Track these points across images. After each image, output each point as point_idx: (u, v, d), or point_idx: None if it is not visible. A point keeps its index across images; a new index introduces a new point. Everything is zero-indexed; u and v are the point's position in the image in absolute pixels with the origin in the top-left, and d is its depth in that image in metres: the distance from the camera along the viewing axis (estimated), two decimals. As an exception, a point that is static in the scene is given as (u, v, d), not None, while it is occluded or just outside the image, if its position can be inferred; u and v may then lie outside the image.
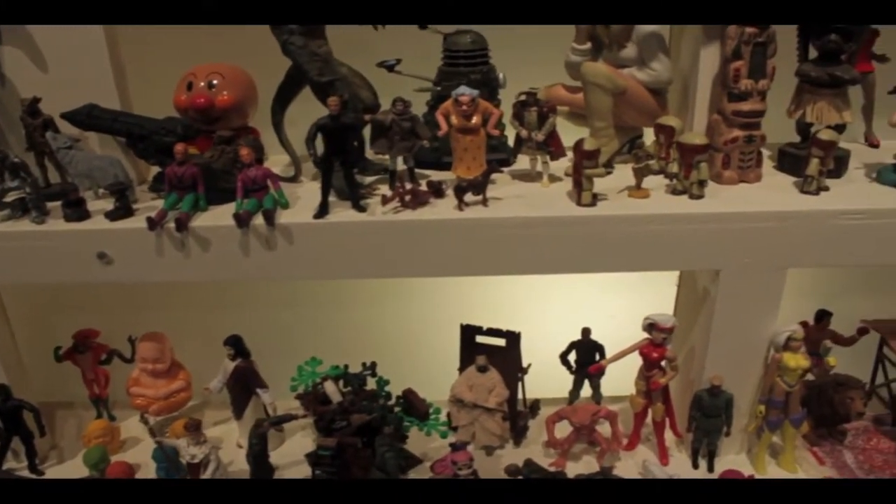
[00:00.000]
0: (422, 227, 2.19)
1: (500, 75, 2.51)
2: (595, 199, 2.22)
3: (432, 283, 2.80)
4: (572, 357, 2.65)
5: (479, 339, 2.55)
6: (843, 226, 2.21)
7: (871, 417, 2.73)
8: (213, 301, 3.03)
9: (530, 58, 2.60)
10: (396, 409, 2.41)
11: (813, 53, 2.39)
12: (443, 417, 2.50)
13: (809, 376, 2.43)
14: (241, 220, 2.13)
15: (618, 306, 2.71)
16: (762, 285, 2.29)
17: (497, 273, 2.27)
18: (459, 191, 2.19)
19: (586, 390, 2.73)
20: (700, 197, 2.25)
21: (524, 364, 2.60)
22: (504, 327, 2.60)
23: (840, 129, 2.43)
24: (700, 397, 2.41)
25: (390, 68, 2.48)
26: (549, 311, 2.95)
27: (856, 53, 2.39)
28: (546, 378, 2.72)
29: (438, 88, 2.47)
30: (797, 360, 2.32)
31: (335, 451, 2.29)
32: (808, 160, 2.27)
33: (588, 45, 2.45)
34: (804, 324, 2.66)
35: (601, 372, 2.64)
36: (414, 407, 2.37)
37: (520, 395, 2.67)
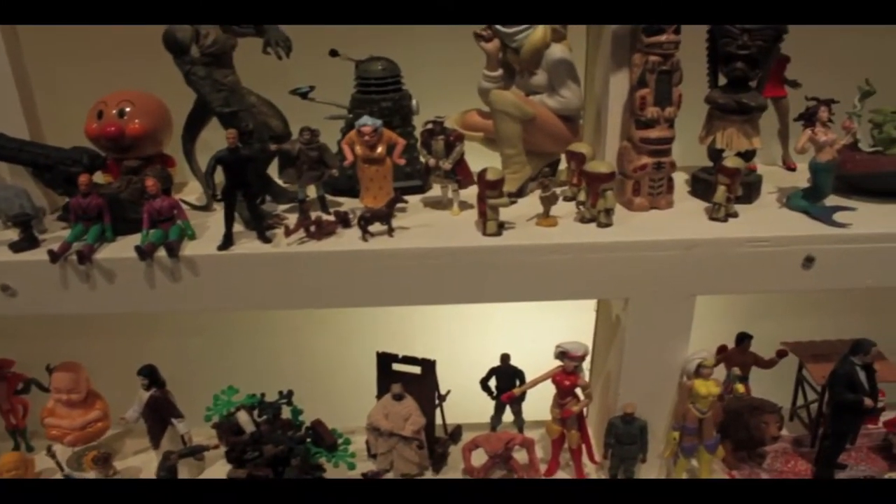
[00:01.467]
0: (325, 259, 2.17)
1: (414, 102, 2.50)
2: (501, 228, 2.21)
3: (352, 311, 2.78)
4: (493, 383, 2.64)
5: (396, 366, 2.54)
6: (749, 253, 2.21)
7: (791, 439, 2.74)
8: (133, 329, 3.01)
9: (451, 83, 2.59)
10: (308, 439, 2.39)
11: (723, 81, 2.40)
12: (354, 448, 2.48)
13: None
14: (143, 253, 2.11)
15: (539, 332, 2.70)
16: (671, 313, 2.29)
17: (401, 303, 2.26)
18: (363, 221, 2.18)
19: (510, 416, 2.72)
20: (608, 225, 2.25)
21: (442, 391, 2.59)
22: (428, 354, 2.60)
23: (749, 155, 2.45)
24: (614, 424, 2.40)
25: (304, 95, 2.46)
26: (473, 337, 2.94)
27: (764, 79, 2.40)
28: (472, 403, 2.71)
29: (350, 116, 2.46)
30: (708, 387, 2.32)
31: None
32: (716, 187, 2.28)
33: (500, 72, 2.44)
34: (723, 348, 2.68)
35: (520, 398, 2.63)
36: (322, 438, 2.35)
37: (440, 422, 2.65)
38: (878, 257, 2.26)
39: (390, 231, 2.21)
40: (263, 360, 2.98)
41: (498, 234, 2.20)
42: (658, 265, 2.20)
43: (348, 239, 2.23)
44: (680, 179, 2.56)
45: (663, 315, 2.29)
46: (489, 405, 2.72)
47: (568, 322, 2.82)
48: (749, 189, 2.43)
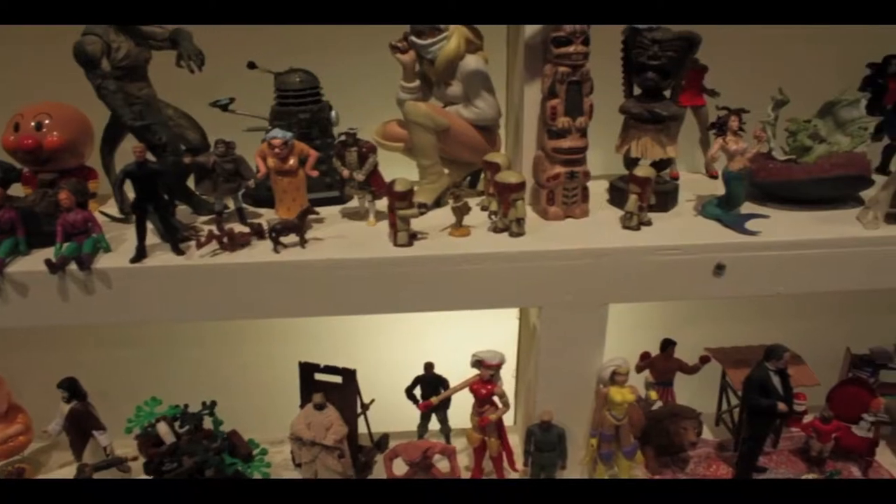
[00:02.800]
0: (237, 270, 2.18)
1: (333, 113, 2.51)
2: (412, 238, 2.23)
3: (278, 322, 2.77)
4: (418, 392, 2.65)
5: (318, 376, 2.54)
6: (660, 261, 2.23)
7: (715, 444, 2.76)
8: (59, 341, 3.00)
9: (374, 94, 2.60)
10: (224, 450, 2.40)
11: (638, 91, 2.42)
12: (281, 457, 2.49)
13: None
14: (53, 267, 2.10)
15: (465, 340, 2.70)
16: (585, 321, 2.31)
17: (314, 314, 2.27)
18: (275, 232, 2.19)
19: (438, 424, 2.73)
20: (520, 234, 2.26)
21: (369, 399, 2.60)
22: (357, 363, 2.61)
23: (664, 164, 2.47)
24: (532, 432, 2.42)
25: (224, 108, 2.47)
26: (402, 346, 2.95)
27: (678, 89, 2.42)
28: (401, 412, 2.72)
29: (270, 128, 2.47)
30: (623, 394, 2.34)
31: (163, 495, 2.28)
32: (627, 196, 2.30)
33: (417, 83, 2.46)
34: (646, 354, 2.70)
35: (445, 406, 2.64)
36: (237, 448, 2.36)
37: (365, 431, 2.66)
38: (788, 264, 2.28)
39: (302, 242, 2.22)
40: (190, 371, 2.99)
41: (409, 244, 2.21)
42: (569, 274, 2.22)
43: (261, 250, 2.23)
44: (601, 188, 2.58)
45: (577, 323, 2.30)
46: (417, 414, 2.73)
47: (494, 330, 2.83)
48: (665, 197, 2.46)
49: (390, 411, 2.71)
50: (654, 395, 2.41)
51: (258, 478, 2.31)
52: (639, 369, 2.68)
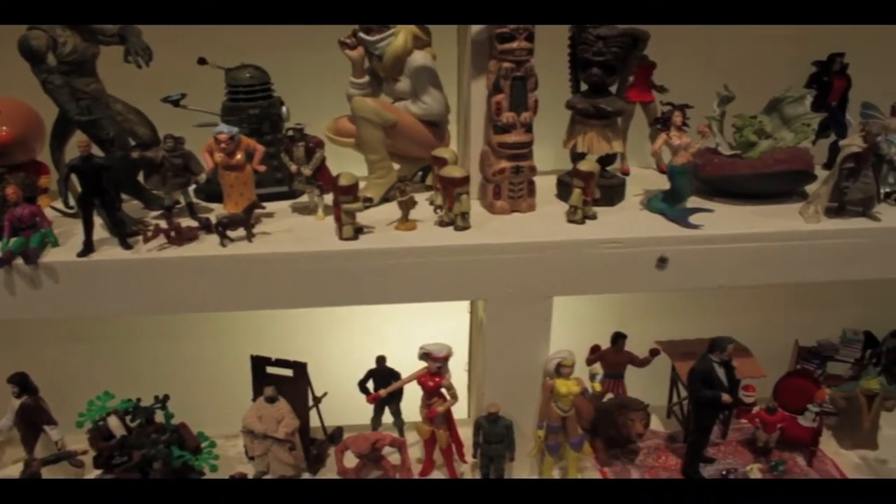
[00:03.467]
0: (183, 264, 2.19)
1: (284, 109, 2.53)
2: (358, 232, 2.25)
3: (232, 316, 2.80)
4: (371, 385, 2.67)
5: (270, 369, 2.56)
6: (603, 254, 2.26)
7: (666, 436, 2.80)
8: (5, 336, 2.99)
9: (326, 90, 2.62)
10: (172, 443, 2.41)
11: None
12: (236, 451, 2.51)
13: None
14: (-1, 262, 2.12)
15: (419, 334, 2.72)
16: (529, 314, 2.34)
17: (261, 307, 2.28)
18: (221, 227, 2.21)
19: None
20: (465, 228, 2.29)
21: (318, 393, 2.62)
22: (312, 356, 2.63)
23: (610, 158, 2.50)
24: (480, 424, 2.44)
25: (175, 103, 2.48)
26: (357, 339, 2.97)
27: (624, 84, 2.45)
28: (356, 405, 2.74)
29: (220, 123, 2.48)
30: (568, 386, 2.37)
31: (113, 488, 2.29)
32: (571, 190, 2.33)
33: (366, 79, 2.47)
34: (596, 347, 2.73)
35: (397, 399, 2.67)
36: (185, 441, 2.37)
37: (318, 424, 2.69)
38: (730, 258, 2.32)
39: (249, 236, 2.23)
40: (143, 365, 3.00)
41: (354, 238, 2.23)
42: (513, 267, 2.25)
43: (208, 245, 2.25)
44: (551, 183, 2.61)
45: (521, 316, 2.33)
46: (371, 407, 2.75)
47: (446, 324, 2.86)
48: (611, 192, 2.49)
49: (345, 405, 2.73)
50: (597, 386, 2.44)
51: (207, 471, 2.33)
52: (589, 362, 2.71)
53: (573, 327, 2.94)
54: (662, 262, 2.28)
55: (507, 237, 2.25)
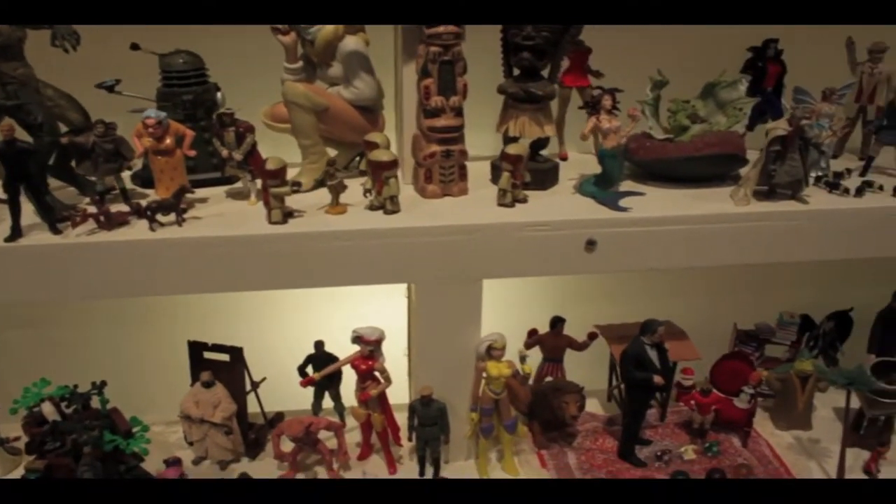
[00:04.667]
0: (113, 248, 2.19)
1: (219, 95, 2.53)
2: (287, 216, 2.26)
3: (173, 301, 2.80)
4: (311, 370, 2.68)
5: (207, 354, 2.57)
6: (531, 237, 2.28)
7: (605, 418, 2.82)
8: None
9: (264, 75, 2.62)
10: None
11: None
12: (177, 436, 2.53)
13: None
14: (-76, 247, 2.11)
15: (359, 317, 2.73)
16: (459, 296, 2.36)
17: (189, 291, 2.29)
18: (149, 211, 2.21)
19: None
20: (394, 212, 2.30)
21: (258, 378, 2.63)
22: (255, 341, 2.65)
23: (542, 143, 2.52)
24: (414, 407, 2.46)
25: (109, 89, 2.48)
26: (299, 324, 2.97)
27: (556, 69, 2.47)
28: (298, 390, 2.76)
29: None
30: (499, 369, 2.38)
31: (44, 473, 2.31)
32: (500, 174, 2.34)
33: (300, 64, 2.48)
34: (534, 331, 2.75)
35: (336, 383, 2.69)
36: (117, 426, 2.38)
37: (258, 409, 2.70)
38: (659, 240, 2.34)
39: (179, 221, 2.24)
40: (82, 352, 3.00)
41: (283, 222, 2.24)
42: (441, 250, 2.26)
43: (139, 229, 2.25)
44: (488, 168, 2.62)
45: (451, 298, 2.35)
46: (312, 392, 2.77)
47: (387, 308, 2.88)
48: (543, 175, 2.51)
49: (287, 390, 2.74)
50: (527, 368, 2.46)
51: (136, 454, 2.33)
52: (527, 346, 2.73)
53: (515, 311, 2.96)
54: (591, 244, 2.30)
55: (436, 220, 2.27)
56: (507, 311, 2.94)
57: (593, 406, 2.90)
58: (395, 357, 2.74)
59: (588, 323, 2.85)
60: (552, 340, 2.76)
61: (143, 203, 2.26)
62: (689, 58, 2.82)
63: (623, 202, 2.37)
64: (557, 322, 2.75)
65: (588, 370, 2.88)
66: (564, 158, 2.80)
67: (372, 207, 2.33)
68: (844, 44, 2.76)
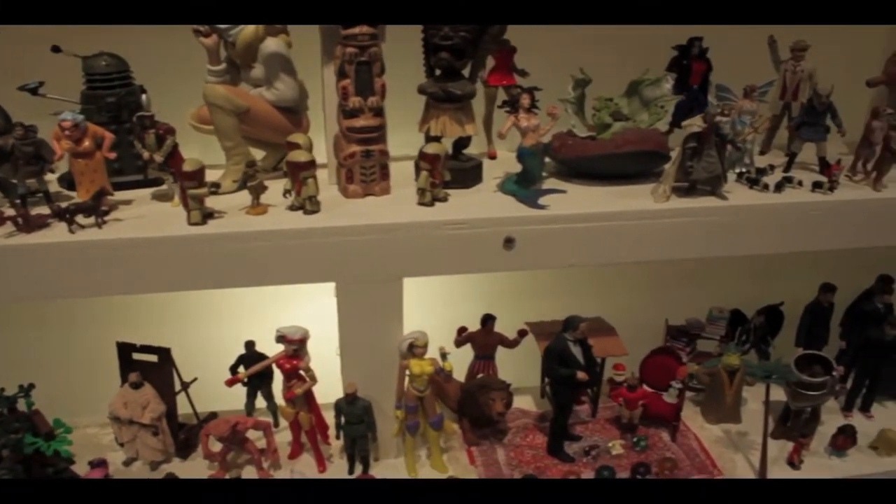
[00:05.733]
0: (30, 251, 2.19)
1: (144, 97, 2.54)
2: (207, 217, 2.27)
3: (104, 303, 2.82)
4: (242, 370, 2.69)
5: (136, 355, 2.58)
6: (450, 235, 2.30)
7: (536, 415, 2.84)
8: None
9: (193, 78, 2.63)
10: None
11: (438, 70, 2.48)
12: (109, 438, 2.54)
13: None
14: None
15: (293, 317, 2.75)
16: (380, 295, 2.38)
17: (109, 293, 2.29)
18: (68, 214, 2.22)
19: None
20: (314, 212, 2.32)
21: (189, 378, 2.64)
22: (188, 341, 2.66)
23: (465, 141, 2.54)
24: (339, 405, 2.48)
25: (33, 91, 2.49)
26: (233, 325, 2.98)
27: (477, 69, 2.49)
28: (234, 390, 2.77)
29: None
30: (421, 366, 2.40)
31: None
32: (418, 173, 2.36)
33: (223, 66, 2.50)
34: (463, 329, 2.77)
35: (268, 382, 2.70)
36: (39, 428, 2.39)
37: (190, 409, 2.71)
38: (578, 237, 2.37)
39: (98, 223, 2.25)
40: (13, 354, 3.00)
41: (202, 223, 2.25)
42: (360, 249, 2.28)
43: (58, 231, 2.26)
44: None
45: (372, 297, 2.37)
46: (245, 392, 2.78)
47: (325, 306, 2.89)
48: (465, 174, 2.53)
49: (222, 390, 2.74)
50: (448, 366, 2.48)
51: (60, 455, 2.34)
52: (457, 343, 2.76)
53: (449, 309, 2.99)
54: (509, 242, 2.32)
55: (354, 220, 2.29)
56: (440, 309, 2.97)
57: (526, 403, 2.92)
58: (330, 356, 2.75)
59: (521, 320, 2.87)
60: (483, 338, 2.78)
61: (60, 205, 2.28)
62: (621, 55, 2.85)
63: (543, 200, 2.39)
64: (488, 320, 2.77)
65: (522, 367, 2.90)
66: (493, 157, 2.82)
67: (292, 208, 2.35)
68: (766, 42, 2.79)
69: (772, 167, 2.70)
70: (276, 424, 2.78)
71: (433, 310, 2.99)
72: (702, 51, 2.79)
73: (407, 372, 2.43)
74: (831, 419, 2.81)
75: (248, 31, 2.40)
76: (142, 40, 2.64)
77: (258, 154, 2.67)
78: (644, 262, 2.56)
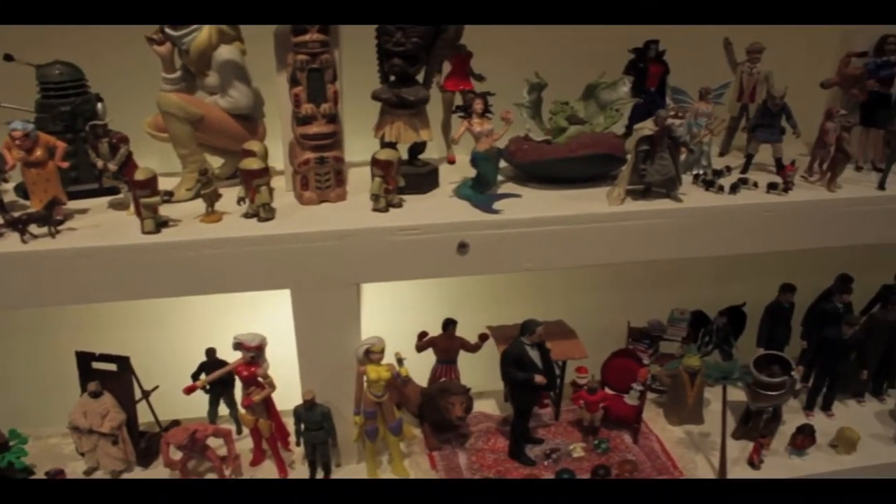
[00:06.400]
0: (-17, 261, 2.21)
1: (99, 106, 2.55)
2: (162, 226, 2.27)
3: (65, 313, 2.81)
4: (203, 378, 2.69)
5: (96, 365, 2.58)
6: (403, 241, 2.31)
7: (499, 419, 2.85)
8: None
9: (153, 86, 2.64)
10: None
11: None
12: (70, 448, 2.54)
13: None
14: None
15: (254, 324, 2.75)
16: (336, 301, 2.38)
17: (64, 302, 2.29)
18: (20, 223, 2.22)
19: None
20: (268, 219, 2.32)
21: (147, 387, 2.64)
22: (151, 349, 2.66)
23: (420, 147, 2.55)
24: (298, 412, 2.48)
25: (-15, 100, 2.49)
26: (196, 333, 2.98)
27: (431, 74, 2.50)
28: (197, 398, 2.77)
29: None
30: (378, 372, 2.41)
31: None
32: (372, 180, 2.37)
33: (178, 74, 2.51)
34: (424, 334, 2.77)
35: (229, 390, 2.70)
36: (-9, 439, 2.40)
37: (152, 418, 2.71)
38: (532, 241, 2.38)
39: (52, 233, 2.25)
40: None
41: (156, 231, 2.25)
42: (314, 256, 2.29)
43: (12, 241, 2.26)
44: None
45: (327, 303, 2.37)
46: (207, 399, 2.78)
47: (285, 313, 2.89)
48: (421, 179, 2.53)
49: (186, 398, 2.75)
50: (404, 371, 2.48)
51: (14, 467, 2.34)
52: (418, 348, 2.76)
53: (412, 314, 2.99)
54: (462, 247, 2.33)
55: (308, 226, 2.29)
56: (403, 314, 2.98)
57: (489, 406, 2.93)
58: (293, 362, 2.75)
59: (484, 324, 2.88)
60: (445, 342, 2.79)
61: (13, 215, 2.28)
62: (580, 59, 2.86)
63: (497, 204, 2.40)
64: (449, 324, 2.78)
65: (485, 371, 2.90)
66: (452, 162, 2.83)
67: (247, 215, 2.35)
68: (722, 45, 2.81)
69: (729, 169, 2.72)
70: (239, 431, 2.79)
71: (395, 315, 3.00)
72: (658, 53, 2.81)
73: (365, 378, 2.43)
74: (794, 419, 2.82)
75: (200, 38, 2.40)
76: (99, 48, 2.65)
77: (217, 161, 2.68)
78: (607, 265, 2.57)
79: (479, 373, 2.87)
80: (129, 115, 2.58)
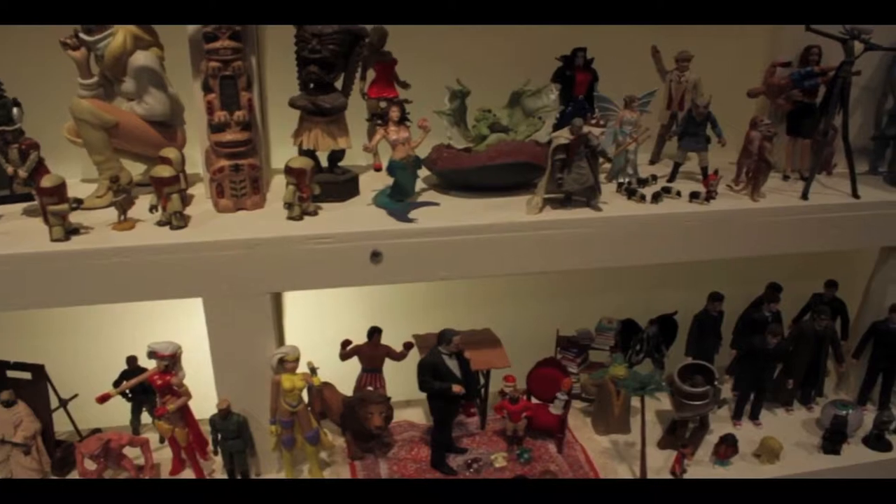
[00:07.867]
0: None
1: (15, 111, 2.52)
2: (72, 233, 2.25)
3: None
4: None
5: (11, 373, 2.56)
6: (315, 250, 2.29)
7: (424, 428, 2.83)
8: None
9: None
10: None
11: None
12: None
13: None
14: None
15: (174, 332, 2.73)
16: (248, 310, 2.36)
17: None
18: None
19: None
20: (180, 227, 2.30)
21: (66, 395, 2.62)
22: (75, 358, 2.63)
23: (338, 154, 2.53)
24: (213, 421, 2.46)
25: None
26: (120, 340, 2.96)
27: (350, 82, 2.49)
28: (121, 406, 2.75)
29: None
30: (292, 381, 2.39)
31: None
32: (286, 188, 2.35)
33: (94, 80, 2.48)
34: (348, 342, 2.76)
35: (147, 398, 2.68)
36: None
37: (70, 427, 2.69)
38: (447, 250, 2.36)
39: (-30, 241, 2.23)
40: None
41: (65, 239, 2.23)
42: (225, 265, 2.27)
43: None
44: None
45: (239, 312, 2.35)
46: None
47: (200, 321, 2.88)
48: (340, 187, 2.52)
49: (109, 406, 2.72)
50: (317, 380, 2.46)
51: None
52: (343, 357, 2.75)
53: (340, 323, 2.97)
54: (376, 256, 2.31)
55: (218, 234, 2.27)
56: (327, 323, 2.96)
57: (416, 415, 2.91)
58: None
59: (411, 332, 2.86)
60: (370, 351, 2.77)
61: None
62: (511, 66, 2.85)
63: (414, 213, 2.39)
64: (374, 332, 2.76)
65: (413, 380, 2.87)
66: (378, 169, 2.82)
67: (160, 223, 2.34)
68: (650, 53, 2.80)
69: (654, 177, 2.71)
70: (163, 440, 2.76)
71: (320, 323, 2.98)
72: (586, 61, 2.80)
73: (278, 387, 2.41)
74: (722, 428, 2.81)
75: (115, 44, 2.38)
76: (19, 52, 2.63)
77: (139, 168, 2.66)
78: (538, 273, 2.56)
79: (406, 381, 2.85)
80: (51, 120, 2.57)
